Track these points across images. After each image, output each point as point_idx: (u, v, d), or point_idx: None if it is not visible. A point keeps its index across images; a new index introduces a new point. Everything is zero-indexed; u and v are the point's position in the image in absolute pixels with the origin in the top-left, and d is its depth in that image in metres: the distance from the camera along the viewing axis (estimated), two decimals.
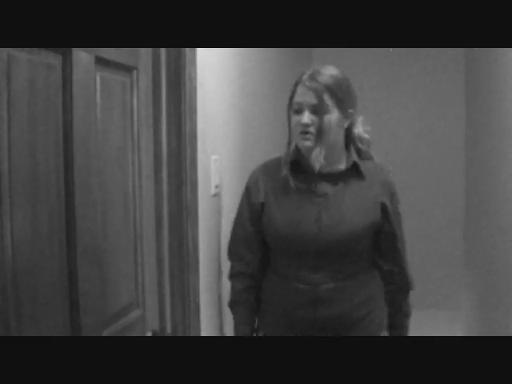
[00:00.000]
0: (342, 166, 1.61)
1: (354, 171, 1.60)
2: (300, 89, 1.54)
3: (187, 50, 1.54)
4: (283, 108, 1.63)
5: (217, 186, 1.85)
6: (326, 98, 1.50)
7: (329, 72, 1.52)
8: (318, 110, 1.51)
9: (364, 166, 1.61)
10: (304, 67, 1.60)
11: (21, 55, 1.01)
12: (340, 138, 1.59)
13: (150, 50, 1.51)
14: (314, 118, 1.51)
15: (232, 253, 1.73)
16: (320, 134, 1.52)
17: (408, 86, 4.37)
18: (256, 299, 1.69)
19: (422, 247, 4.48)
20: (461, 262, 3.59)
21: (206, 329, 1.74)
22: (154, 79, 1.53)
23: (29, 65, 1.03)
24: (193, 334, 1.60)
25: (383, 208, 1.60)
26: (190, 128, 1.57)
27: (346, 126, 1.58)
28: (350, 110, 1.56)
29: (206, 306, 1.74)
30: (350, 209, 1.57)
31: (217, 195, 1.87)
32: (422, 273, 4.55)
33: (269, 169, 1.69)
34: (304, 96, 1.52)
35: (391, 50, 3.70)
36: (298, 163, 1.62)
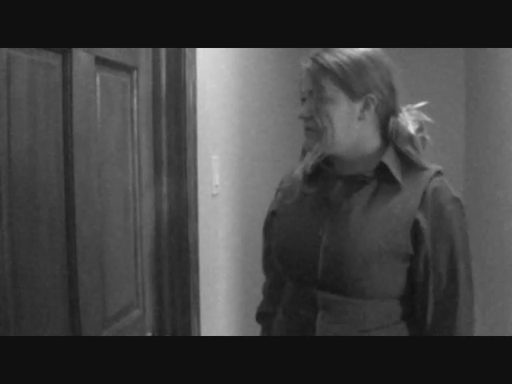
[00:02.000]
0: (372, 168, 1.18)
1: (385, 175, 1.16)
2: (302, 75, 1.21)
3: (187, 50, 1.54)
4: (283, 108, 1.62)
5: (217, 186, 1.85)
6: (325, 82, 1.14)
7: (337, 51, 1.15)
8: (319, 99, 1.15)
9: (408, 172, 1.16)
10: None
11: (21, 55, 1.01)
12: (366, 132, 1.17)
13: (150, 49, 1.51)
14: (316, 109, 1.16)
15: (262, 265, 1.42)
16: (321, 128, 1.15)
17: (408, 86, 4.37)
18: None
19: None
20: None
21: (206, 329, 1.74)
22: (154, 79, 1.53)
23: (29, 65, 1.03)
24: (193, 334, 1.60)
25: (416, 227, 1.11)
26: (190, 128, 1.57)
27: (366, 116, 1.15)
28: (371, 95, 1.14)
29: (205, 306, 1.74)
30: (362, 223, 1.13)
31: (217, 195, 1.87)
32: None
33: (294, 173, 1.32)
34: (303, 83, 1.19)
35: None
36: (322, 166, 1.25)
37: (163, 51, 1.53)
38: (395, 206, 1.13)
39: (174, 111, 1.54)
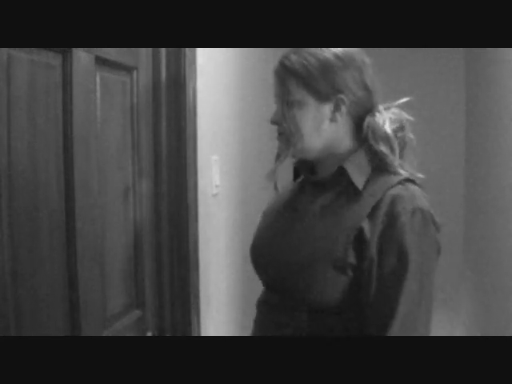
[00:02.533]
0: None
1: (348, 180, 1.09)
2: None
3: (187, 49, 1.54)
4: None
5: (217, 186, 1.85)
6: (292, 85, 1.09)
7: (304, 52, 1.10)
8: (286, 103, 1.11)
9: (377, 176, 1.08)
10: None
11: (21, 55, 1.01)
12: (338, 134, 1.11)
13: (150, 50, 1.51)
14: (282, 113, 1.12)
15: None
16: (289, 133, 1.11)
17: (408, 86, 4.37)
18: None
19: None
20: (461, 262, 3.59)
21: (206, 329, 1.74)
22: (154, 79, 1.53)
23: (29, 65, 1.03)
24: (193, 333, 1.60)
25: (360, 236, 1.02)
26: (190, 128, 1.57)
27: (338, 118, 1.09)
28: (340, 96, 1.07)
29: (206, 306, 1.74)
30: (310, 229, 1.08)
31: (217, 195, 1.87)
32: None
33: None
34: (274, 86, 1.15)
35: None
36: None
37: (163, 51, 1.53)
38: (347, 212, 1.05)
39: (174, 111, 1.54)
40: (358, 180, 1.07)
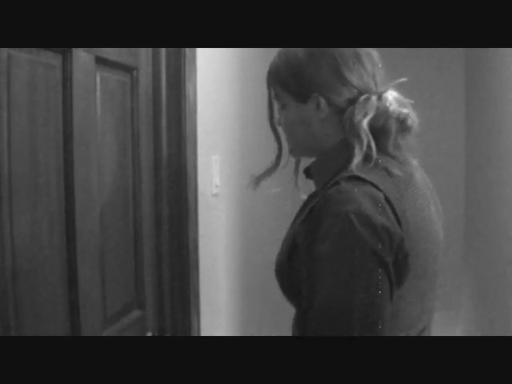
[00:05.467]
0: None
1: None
2: None
3: (187, 49, 1.54)
4: None
5: (217, 186, 1.85)
6: (276, 88, 1.08)
7: (282, 53, 1.09)
8: (271, 106, 1.12)
9: (340, 177, 0.97)
10: None
11: (21, 55, 1.01)
12: (327, 131, 1.05)
13: (149, 49, 1.51)
14: (271, 117, 1.13)
15: None
16: (277, 137, 1.12)
17: (408, 86, 4.37)
18: None
19: None
20: (461, 262, 3.59)
21: (207, 328, 1.74)
22: (154, 79, 1.53)
23: (29, 65, 1.03)
24: (193, 334, 1.60)
25: (294, 243, 1.00)
26: (190, 128, 1.57)
27: (322, 115, 1.04)
28: (315, 94, 1.03)
29: (206, 306, 1.74)
30: (287, 234, 1.06)
31: (217, 195, 1.87)
32: None
33: None
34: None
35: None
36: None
37: (163, 51, 1.53)
38: (298, 216, 1.03)
39: (174, 111, 1.54)
40: (319, 181, 1.05)
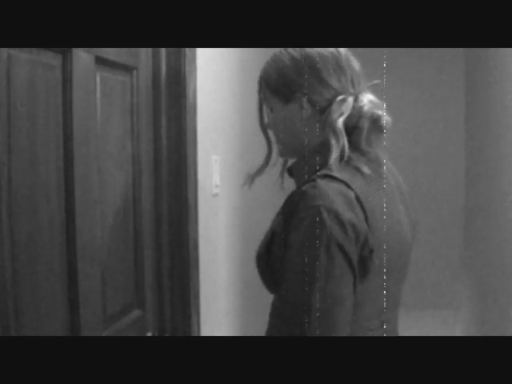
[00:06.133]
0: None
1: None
2: None
3: (187, 49, 1.54)
4: None
5: (217, 186, 1.85)
6: (266, 92, 1.18)
7: (270, 58, 1.19)
8: (261, 109, 1.23)
9: (316, 175, 1.05)
10: None
11: (21, 55, 1.01)
12: (309, 132, 1.13)
13: (149, 50, 1.51)
14: (261, 119, 1.24)
15: None
16: (267, 138, 1.24)
17: (408, 86, 4.37)
18: None
19: (422, 247, 4.48)
20: (461, 262, 3.59)
21: (207, 328, 1.74)
22: (154, 79, 1.53)
23: (29, 65, 1.03)
24: (193, 334, 1.60)
25: (272, 235, 1.08)
26: (190, 128, 1.57)
27: (305, 115, 1.12)
28: (297, 95, 1.12)
29: (206, 306, 1.74)
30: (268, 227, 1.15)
31: (217, 195, 1.87)
32: (422, 272, 4.57)
33: None
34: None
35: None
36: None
37: (163, 51, 1.53)
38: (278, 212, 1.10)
39: (174, 111, 1.54)
40: (299, 179, 1.12)
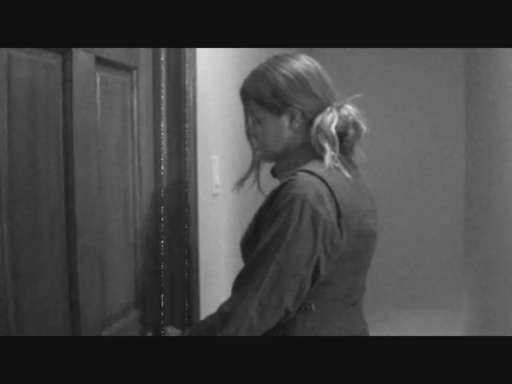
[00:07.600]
0: None
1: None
2: None
3: (187, 49, 1.54)
4: None
5: (217, 186, 1.85)
6: (252, 105, 1.30)
7: (259, 76, 1.28)
8: (247, 121, 1.36)
9: (297, 170, 1.20)
10: None
11: (21, 55, 1.01)
12: (296, 138, 1.27)
13: (150, 50, 1.51)
14: (253, 129, 1.34)
15: None
16: (258, 146, 1.34)
17: (408, 86, 4.37)
18: None
19: (422, 247, 4.48)
20: (461, 262, 3.59)
21: None
22: (154, 79, 1.53)
23: (29, 65, 1.03)
24: None
25: (257, 221, 1.27)
26: (190, 128, 1.57)
27: (295, 125, 1.25)
28: (291, 108, 1.24)
29: (206, 306, 1.74)
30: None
31: (217, 195, 1.87)
32: (422, 272, 4.57)
33: None
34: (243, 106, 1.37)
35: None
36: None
37: (163, 51, 1.53)
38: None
39: (174, 111, 1.54)
40: (283, 178, 1.22)
